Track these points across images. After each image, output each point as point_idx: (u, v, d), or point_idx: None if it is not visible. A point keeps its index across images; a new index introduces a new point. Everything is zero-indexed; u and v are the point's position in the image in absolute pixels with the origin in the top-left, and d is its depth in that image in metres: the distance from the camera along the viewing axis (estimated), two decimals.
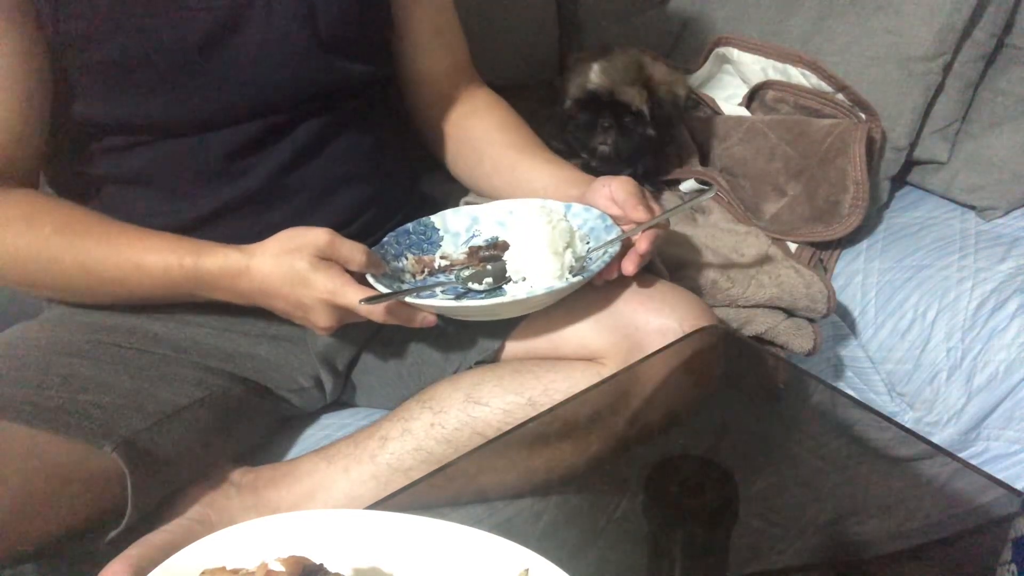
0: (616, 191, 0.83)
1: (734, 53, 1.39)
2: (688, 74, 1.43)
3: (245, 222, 0.83)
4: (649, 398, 0.78)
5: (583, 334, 0.79)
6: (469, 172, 0.97)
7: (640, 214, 0.80)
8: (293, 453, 0.88)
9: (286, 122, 0.83)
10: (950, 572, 0.60)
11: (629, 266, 0.78)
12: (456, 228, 0.90)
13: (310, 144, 0.85)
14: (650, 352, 0.76)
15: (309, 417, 0.93)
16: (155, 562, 0.50)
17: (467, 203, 0.98)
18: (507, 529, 0.51)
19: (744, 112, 1.38)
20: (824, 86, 1.31)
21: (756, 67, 1.37)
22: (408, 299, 0.76)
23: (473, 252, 0.88)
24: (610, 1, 1.46)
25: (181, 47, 0.75)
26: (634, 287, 0.81)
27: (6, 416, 0.68)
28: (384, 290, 0.76)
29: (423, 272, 0.86)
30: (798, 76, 1.33)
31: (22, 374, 0.74)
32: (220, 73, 0.77)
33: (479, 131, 0.95)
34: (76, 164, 0.82)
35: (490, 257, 0.86)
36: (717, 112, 1.35)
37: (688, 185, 1.28)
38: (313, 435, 0.91)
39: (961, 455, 0.89)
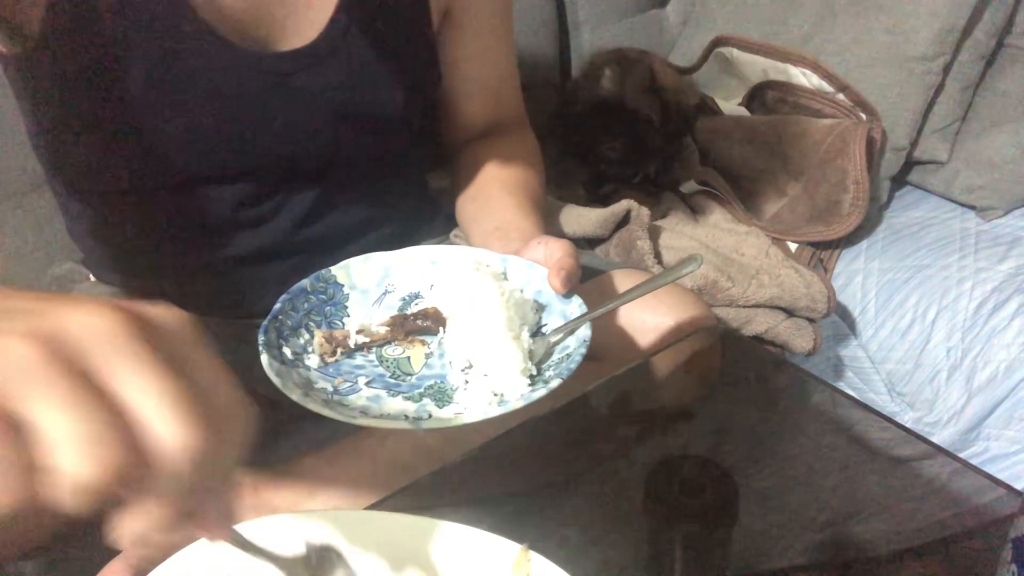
0: (552, 252, 0.70)
1: (734, 53, 1.39)
2: (688, 74, 1.43)
3: (254, 272, 0.83)
4: (649, 398, 0.78)
5: None
6: (459, 196, 0.92)
7: (555, 283, 0.68)
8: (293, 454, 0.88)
9: (300, 179, 0.81)
10: (950, 572, 0.60)
11: (557, 283, 0.68)
12: (364, 284, 0.72)
13: (326, 199, 0.83)
14: (645, 349, 0.76)
15: (309, 418, 0.93)
16: (155, 562, 0.50)
17: (456, 236, 0.94)
18: (507, 529, 0.51)
19: (744, 112, 1.38)
20: (824, 86, 1.31)
21: (756, 67, 1.37)
22: (318, 408, 0.58)
23: (397, 323, 0.69)
24: (610, 1, 1.46)
25: (217, 102, 0.74)
26: (629, 284, 0.80)
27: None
28: (288, 389, 0.59)
29: (335, 354, 0.67)
30: (798, 76, 1.33)
31: None
32: (242, 134, 0.76)
33: (486, 165, 0.92)
34: (91, 204, 0.82)
35: (420, 329, 0.69)
36: (717, 112, 1.35)
37: (688, 186, 1.28)
38: (313, 436, 0.91)
39: (961, 455, 0.89)
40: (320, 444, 0.85)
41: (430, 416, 0.61)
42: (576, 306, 0.68)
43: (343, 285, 0.71)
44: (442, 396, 0.64)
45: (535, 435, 0.70)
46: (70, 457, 0.29)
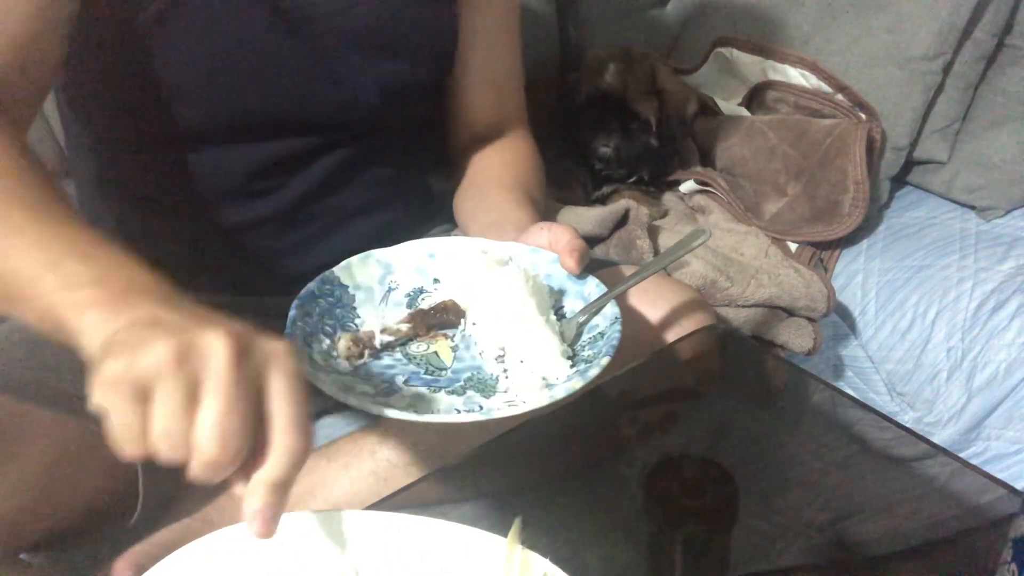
0: (559, 236, 0.70)
1: (734, 53, 1.39)
2: (688, 74, 1.43)
3: (259, 242, 0.83)
4: (649, 398, 0.78)
5: None
6: (457, 195, 0.93)
7: (569, 264, 0.69)
8: None
9: (313, 148, 0.81)
10: (950, 572, 0.60)
11: (572, 263, 0.69)
12: (367, 282, 0.71)
13: (336, 172, 0.83)
14: (646, 347, 0.76)
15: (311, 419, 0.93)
16: (158, 561, 0.50)
17: (455, 235, 0.93)
18: (506, 529, 0.51)
19: (744, 112, 1.38)
20: (824, 86, 1.31)
21: (756, 67, 1.37)
22: (381, 411, 0.56)
23: (418, 318, 0.69)
24: (610, 1, 1.46)
25: (236, 43, 0.73)
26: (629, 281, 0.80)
27: (28, 398, 0.68)
28: (336, 393, 0.57)
29: (362, 355, 0.66)
30: (798, 76, 1.33)
31: (40, 359, 0.74)
32: (262, 82, 0.76)
33: (485, 166, 0.92)
34: (96, 171, 0.82)
35: (440, 323, 0.69)
36: (717, 112, 1.35)
37: (688, 186, 1.28)
38: (314, 435, 0.91)
39: (961, 455, 0.89)
40: (320, 444, 0.85)
41: (481, 408, 0.60)
42: (594, 286, 0.68)
43: (348, 286, 0.71)
44: (485, 387, 0.64)
45: (535, 435, 0.70)
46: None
